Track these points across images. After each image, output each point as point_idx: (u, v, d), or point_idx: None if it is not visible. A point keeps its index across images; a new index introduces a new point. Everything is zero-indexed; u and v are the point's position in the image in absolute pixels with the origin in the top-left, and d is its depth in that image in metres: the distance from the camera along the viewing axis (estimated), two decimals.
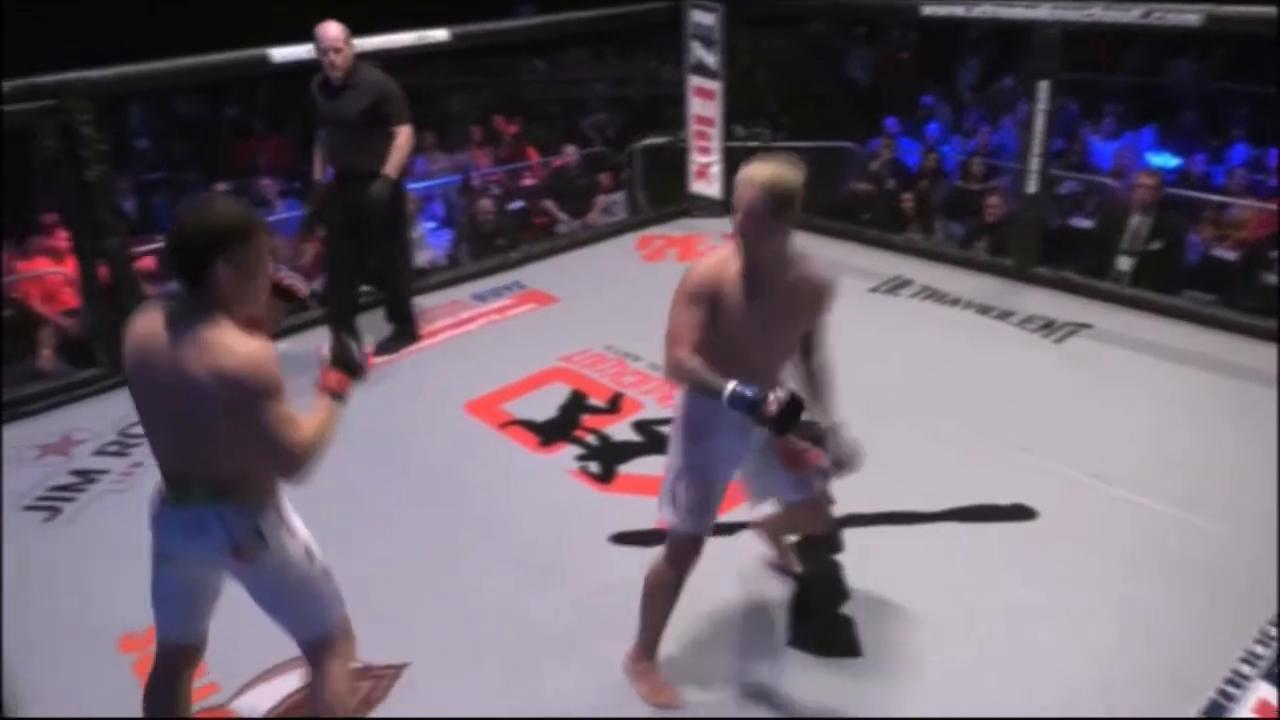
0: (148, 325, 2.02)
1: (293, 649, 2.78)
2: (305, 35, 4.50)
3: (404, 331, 4.90)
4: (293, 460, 1.98)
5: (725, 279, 2.40)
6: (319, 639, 2.22)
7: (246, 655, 2.80)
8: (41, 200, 6.64)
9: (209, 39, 4.86)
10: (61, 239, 6.04)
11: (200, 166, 8.57)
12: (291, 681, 2.71)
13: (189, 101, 10.14)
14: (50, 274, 6.00)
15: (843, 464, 2.62)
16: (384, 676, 2.73)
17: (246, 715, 2.64)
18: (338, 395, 2.16)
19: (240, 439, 1.96)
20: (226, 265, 1.94)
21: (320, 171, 4.66)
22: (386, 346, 4.82)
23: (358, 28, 4.65)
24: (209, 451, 2.03)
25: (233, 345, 1.92)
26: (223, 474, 2.04)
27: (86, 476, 3.86)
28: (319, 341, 2.38)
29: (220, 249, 1.93)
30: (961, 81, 9.67)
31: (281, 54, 4.82)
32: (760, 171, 2.33)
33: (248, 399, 1.92)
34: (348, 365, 2.18)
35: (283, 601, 2.18)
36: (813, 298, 2.51)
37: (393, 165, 4.43)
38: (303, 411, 2.04)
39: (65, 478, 3.86)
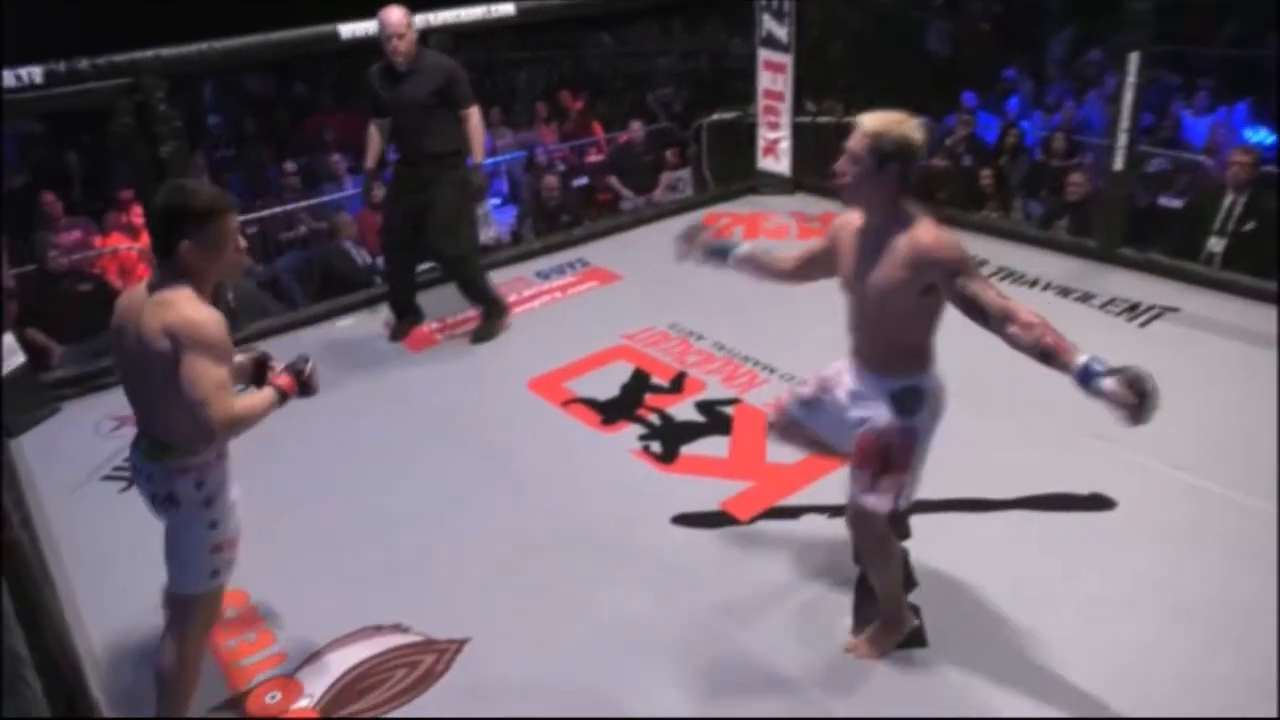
0: (128, 296, 2.31)
1: (360, 621, 2.87)
2: (371, 11, 4.55)
3: (493, 311, 4.89)
4: (208, 423, 2.17)
5: (848, 225, 2.45)
6: (182, 598, 2.44)
7: (314, 625, 2.89)
8: (117, 177, 6.88)
9: (278, 16, 4.95)
10: (137, 215, 6.26)
11: (269, 143, 8.76)
12: (358, 653, 2.79)
13: (259, 79, 10.36)
14: (126, 249, 6.23)
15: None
16: (446, 650, 2.79)
17: (311, 684, 2.72)
18: (282, 394, 2.42)
19: (176, 398, 2.17)
20: (191, 242, 2.21)
21: (373, 159, 4.74)
22: (482, 333, 4.84)
23: (423, 4, 4.70)
24: (154, 409, 2.30)
25: (181, 305, 2.19)
26: (162, 433, 2.30)
27: None
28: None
29: (187, 227, 2.20)
30: (1051, 54, 9.37)
31: (350, 30, 4.90)
32: (873, 119, 2.33)
33: (181, 353, 2.15)
34: (301, 380, 2.47)
35: (172, 554, 2.40)
36: (913, 262, 2.34)
37: (477, 149, 4.53)
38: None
39: None
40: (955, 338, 4.56)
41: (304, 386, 2.48)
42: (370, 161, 4.77)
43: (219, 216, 2.24)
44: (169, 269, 2.24)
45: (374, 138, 4.68)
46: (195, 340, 2.15)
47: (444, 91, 4.43)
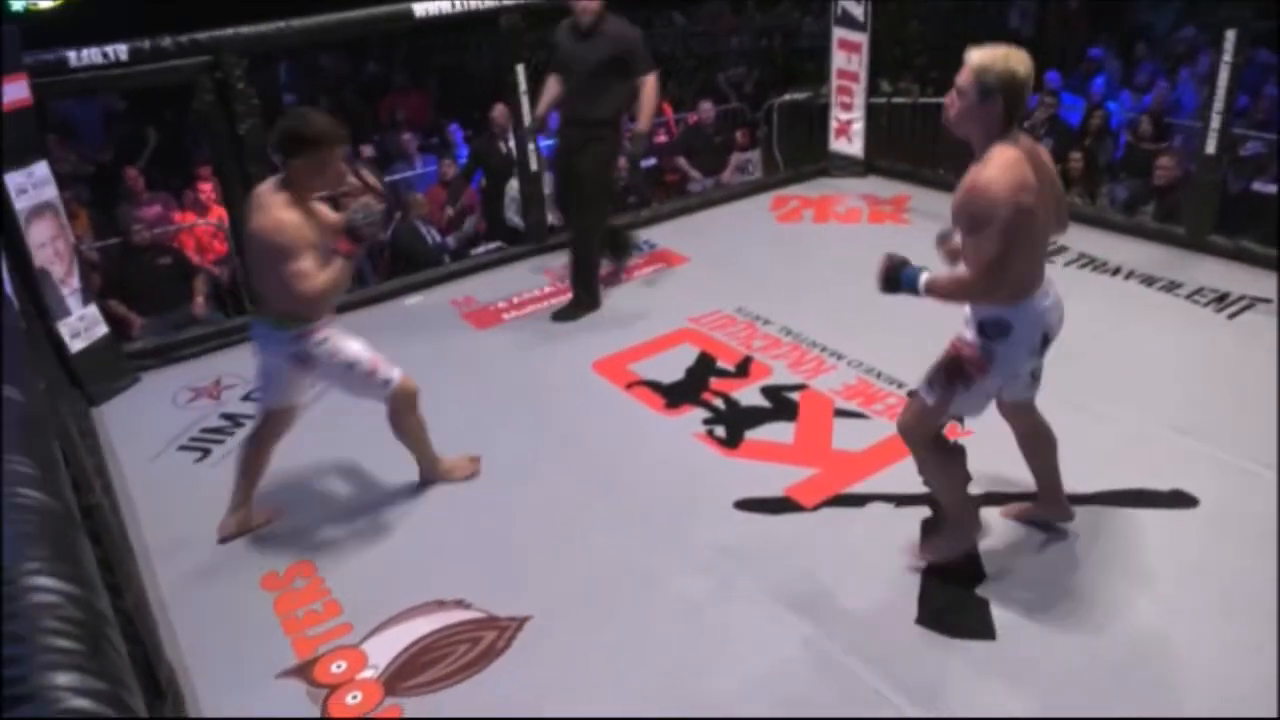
0: (254, 196, 2.94)
1: (424, 595, 2.93)
2: None
3: (584, 299, 4.91)
4: (300, 300, 2.87)
5: None
6: (383, 402, 3.24)
7: (381, 600, 2.95)
8: (196, 154, 7.06)
9: None
10: (205, 190, 6.41)
11: (343, 121, 8.90)
12: (421, 626, 2.84)
13: (332, 58, 10.54)
14: (204, 224, 6.40)
15: None
16: (508, 628, 2.83)
17: (375, 655, 2.79)
18: (346, 256, 2.93)
19: (277, 281, 2.83)
20: (302, 160, 2.84)
21: (543, 108, 4.86)
22: (565, 314, 4.87)
23: None
24: (263, 288, 2.97)
25: (274, 210, 2.82)
26: (275, 306, 2.96)
27: (234, 420, 4.11)
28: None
29: (300, 148, 2.83)
30: (1155, 30, 9.02)
31: (424, 8, 4.94)
32: (979, 53, 2.39)
33: (268, 252, 2.83)
34: (353, 233, 2.92)
35: (346, 391, 3.22)
36: (960, 200, 2.47)
37: (645, 118, 4.66)
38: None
39: (215, 420, 4.13)
40: None
41: (357, 238, 2.92)
42: (540, 110, 4.90)
43: (325, 144, 2.86)
44: (282, 178, 2.88)
45: (550, 88, 4.76)
46: (268, 241, 2.81)
47: (619, 59, 4.54)
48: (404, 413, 3.32)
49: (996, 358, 2.61)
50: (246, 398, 4.28)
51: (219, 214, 6.13)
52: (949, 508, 2.88)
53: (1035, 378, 2.85)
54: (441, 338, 4.75)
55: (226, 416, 4.15)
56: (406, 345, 4.67)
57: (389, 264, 6.39)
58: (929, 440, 2.77)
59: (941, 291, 2.55)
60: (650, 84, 4.61)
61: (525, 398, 4.12)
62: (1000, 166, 2.37)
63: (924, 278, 2.59)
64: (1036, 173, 2.43)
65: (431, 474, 3.52)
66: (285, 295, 2.86)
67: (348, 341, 3.13)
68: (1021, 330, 2.58)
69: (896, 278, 2.67)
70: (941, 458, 2.85)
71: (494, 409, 4.05)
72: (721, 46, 10.29)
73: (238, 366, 4.55)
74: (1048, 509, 3.07)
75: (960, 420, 2.84)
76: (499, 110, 6.84)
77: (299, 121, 2.88)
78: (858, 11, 6.24)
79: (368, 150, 7.60)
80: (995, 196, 2.35)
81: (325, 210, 3.03)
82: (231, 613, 2.98)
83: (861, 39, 6.30)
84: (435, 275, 5.52)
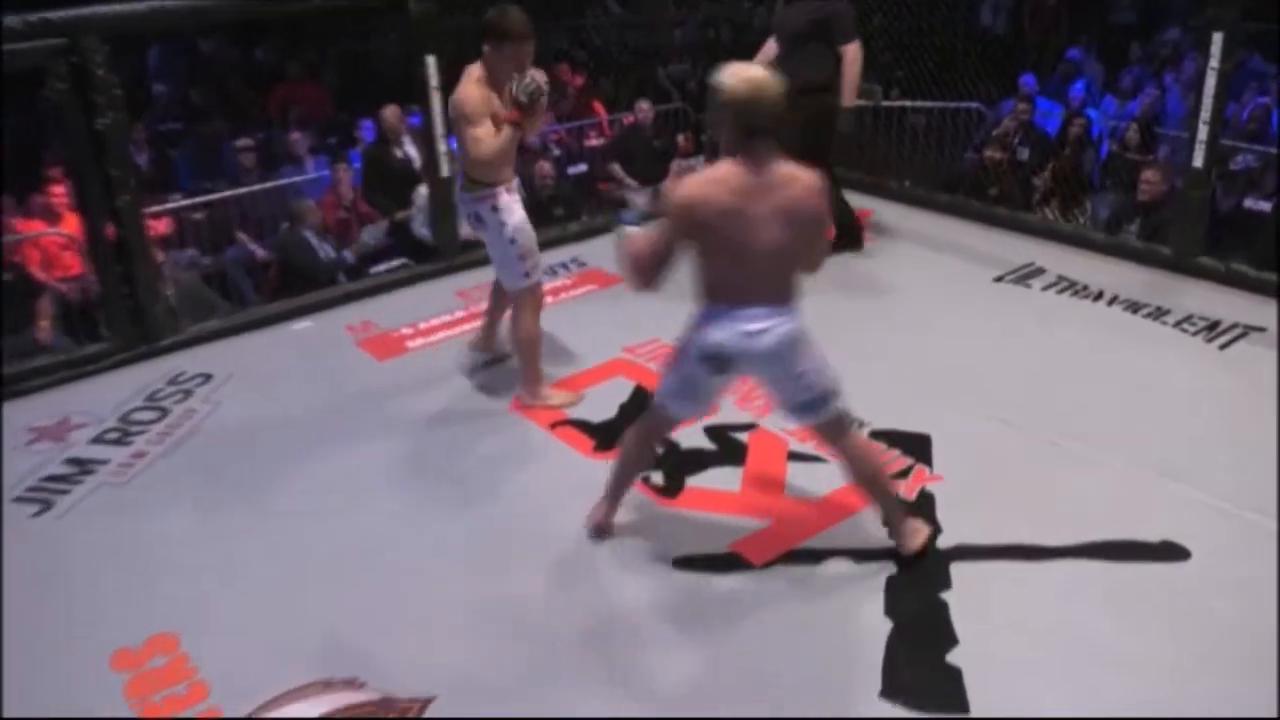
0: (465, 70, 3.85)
1: (307, 674, 2.84)
2: None
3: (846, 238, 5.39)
4: (477, 162, 3.83)
5: None
6: (511, 293, 4.09)
7: (258, 679, 2.86)
8: (46, 153, 6.88)
9: None
10: (60, 195, 6.24)
11: (224, 116, 8.78)
12: (306, 710, 2.75)
13: (214, 42, 10.39)
14: (50, 235, 6.22)
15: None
16: (409, 709, 2.76)
17: None
18: (513, 124, 3.75)
19: (461, 146, 3.88)
20: (490, 47, 3.78)
21: None
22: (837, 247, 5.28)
23: None
24: (461, 153, 3.93)
25: (465, 83, 3.78)
26: (468, 171, 3.93)
27: (83, 466, 3.98)
28: None
29: (489, 36, 3.77)
30: (1166, 35, 9.30)
31: None
32: (723, 69, 2.85)
33: (457, 119, 3.80)
34: (517, 102, 3.72)
35: (496, 261, 4.09)
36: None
37: (847, 91, 5.14)
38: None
39: (60, 467, 3.99)
40: (1014, 359, 4.56)
41: (525, 109, 3.72)
42: None
43: (511, 39, 3.75)
44: (482, 59, 3.79)
45: (766, 52, 5.32)
46: (458, 110, 3.76)
47: (821, 25, 5.04)
48: (525, 314, 4.03)
49: (685, 349, 3.03)
50: (99, 439, 4.14)
51: (73, 223, 5.96)
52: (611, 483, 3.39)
53: (797, 408, 3.08)
54: (334, 370, 4.66)
55: (74, 462, 4.01)
56: (291, 378, 4.60)
57: (274, 282, 6.28)
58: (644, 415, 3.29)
59: (625, 247, 3.01)
60: (850, 54, 5.08)
61: (432, 442, 4.06)
62: (700, 177, 2.86)
63: (630, 229, 3.05)
64: (750, 197, 2.80)
65: (529, 396, 4.19)
66: (466, 158, 3.84)
67: (517, 216, 3.95)
68: (697, 333, 2.98)
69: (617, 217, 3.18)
70: (639, 439, 3.29)
71: (394, 455, 3.98)
72: (663, 39, 10.39)
73: (90, 402, 4.42)
74: (902, 534, 3.27)
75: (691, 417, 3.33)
76: (390, 112, 6.81)
77: (497, 14, 3.77)
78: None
79: (245, 142, 7.45)
80: (670, 194, 2.86)
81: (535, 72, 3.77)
82: (73, 702, 2.85)
83: None
84: (328, 296, 5.43)
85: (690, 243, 2.88)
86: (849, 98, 5.17)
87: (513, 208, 3.95)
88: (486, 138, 3.75)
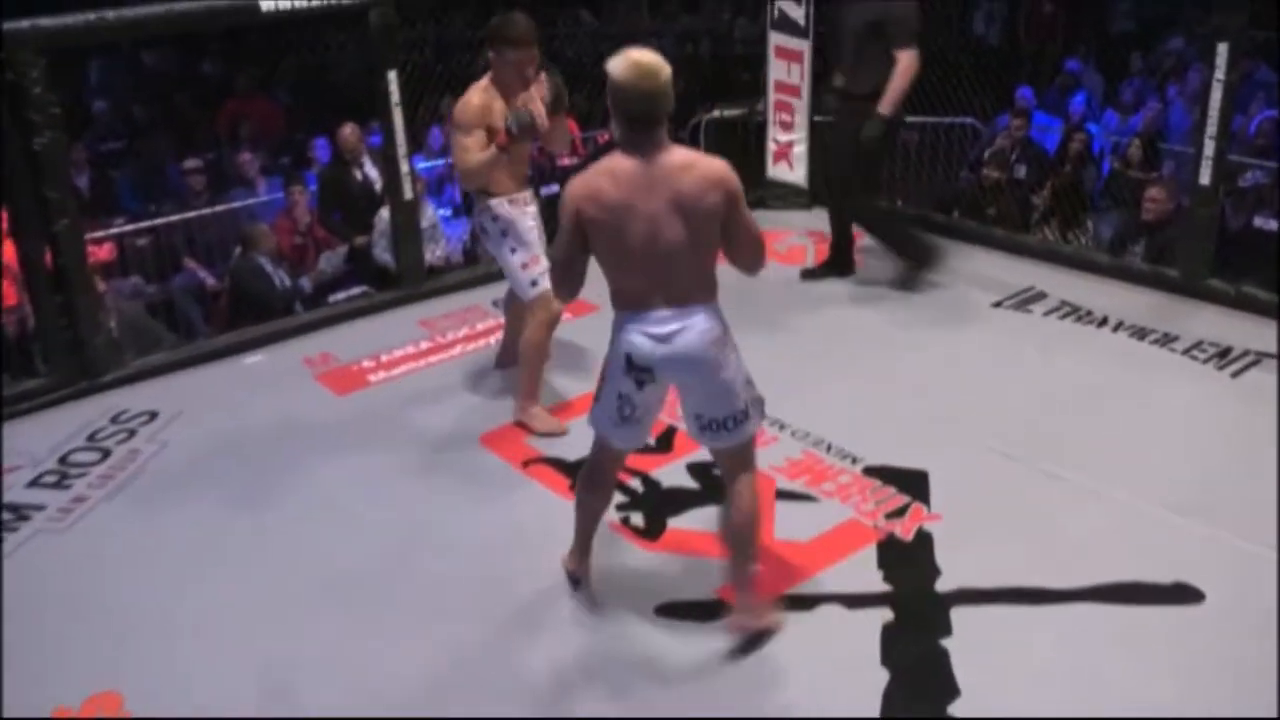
0: None
1: None
2: None
3: (919, 256, 5.51)
4: (457, 169, 4.22)
5: None
6: (524, 299, 4.26)
7: None
8: None
9: None
10: None
11: (170, 134, 8.77)
12: None
13: (159, 56, 10.39)
14: None
15: None
16: None
17: None
18: (500, 147, 3.91)
19: None
20: (493, 53, 4.04)
21: (839, 80, 5.36)
22: (907, 283, 5.51)
23: None
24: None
25: (469, 90, 4.06)
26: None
27: (18, 513, 3.94)
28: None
29: (490, 41, 4.04)
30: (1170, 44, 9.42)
31: (272, 3, 4.90)
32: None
33: (452, 126, 4.12)
34: (508, 129, 3.86)
35: (504, 272, 4.33)
36: None
37: (887, 101, 5.09)
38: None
39: None
40: (1014, 389, 4.59)
41: (513, 138, 3.87)
42: (836, 81, 5.40)
43: (508, 45, 3.98)
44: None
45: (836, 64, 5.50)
46: (453, 117, 4.07)
47: (877, 26, 5.04)
48: (533, 324, 4.19)
49: (608, 365, 3.04)
50: (36, 483, 4.11)
51: (7, 250, 5.92)
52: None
53: (711, 424, 3.01)
54: (289, 406, 4.65)
55: (9, 508, 3.97)
56: (244, 415, 4.58)
57: (225, 312, 6.26)
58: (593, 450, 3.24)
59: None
60: (904, 60, 5.06)
61: (394, 481, 4.05)
62: (587, 172, 2.89)
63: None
64: (639, 191, 2.80)
65: (520, 413, 4.33)
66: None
67: (519, 226, 4.16)
68: (614, 345, 2.99)
69: None
70: (587, 482, 3.27)
71: (353, 497, 3.96)
72: None
73: (26, 443, 4.38)
74: (741, 608, 3.15)
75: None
76: (348, 132, 6.83)
77: (500, 20, 4.02)
78: (797, 14, 6.43)
79: (193, 163, 7.43)
80: (564, 193, 2.91)
81: (532, 102, 3.86)
82: None
83: (803, 46, 6.49)
84: (283, 327, 5.42)
85: (588, 244, 2.89)
86: (886, 105, 5.09)
87: (515, 218, 4.16)
88: (472, 149, 3.93)
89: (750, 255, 2.99)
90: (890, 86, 5.06)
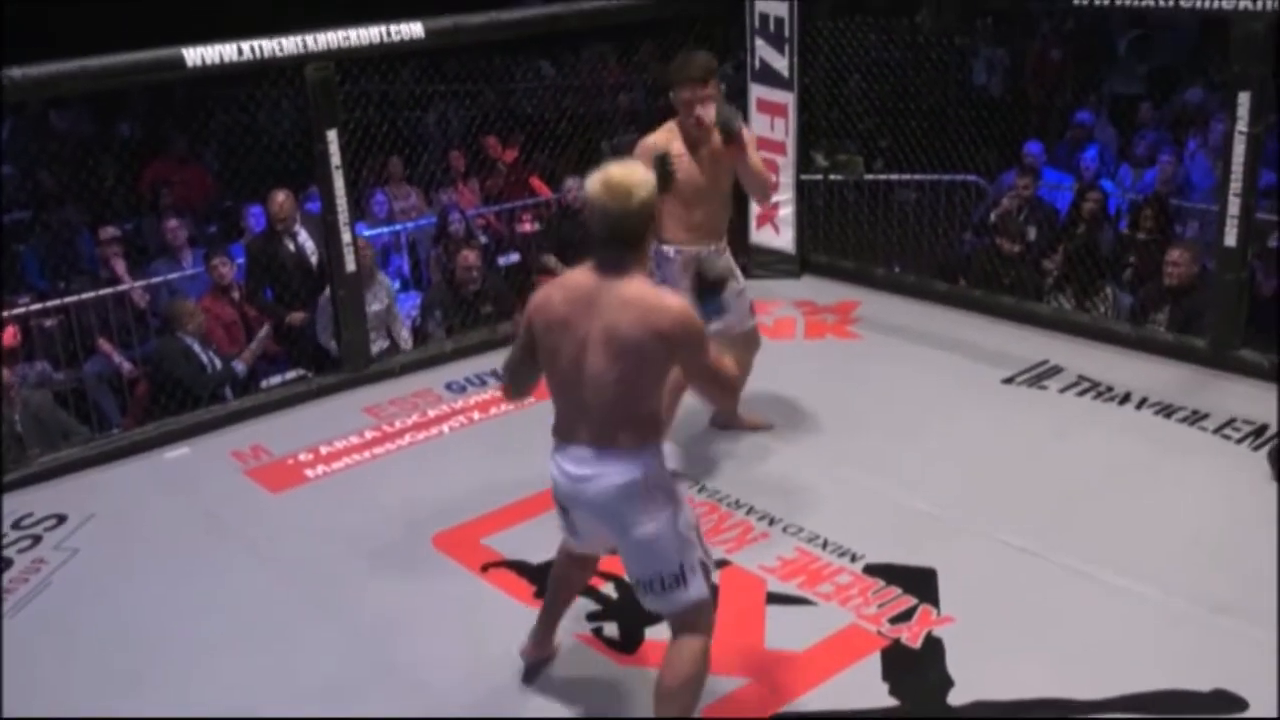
0: None
1: None
2: (229, 31, 4.64)
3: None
4: None
5: None
6: (743, 331, 4.56)
7: None
8: None
9: (104, 35, 5.04)
10: None
11: (83, 202, 8.78)
12: None
13: (71, 116, 10.44)
14: None
15: None
16: None
17: None
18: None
19: None
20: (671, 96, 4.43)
21: None
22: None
23: (302, 23, 4.80)
24: None
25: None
26: None
27: None
28: None
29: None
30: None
31: (199, 55, 4.97)
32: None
33: None
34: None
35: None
36: None
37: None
38: None
39: None
40: (1030, 474, 4.61)
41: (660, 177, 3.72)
42: None
43: (669, 88, 4.45)
44: None
45: None
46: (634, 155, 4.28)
47: None
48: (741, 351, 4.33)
49: None
50: None
51: None
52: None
53: (639, 583, 3.04)
54: (216, 506, 4.62)
55: None
56: (164, 518, 4.54)
57: (144, 401, 6.22)
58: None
59: None
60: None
61: (335, 593, 4.02)
62: (554, 280, 3.09)
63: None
64: (581, 312, 2.89)
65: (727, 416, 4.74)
66: None
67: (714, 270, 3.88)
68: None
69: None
70: (560, 567, 3.44)
71: (288, 611, 3.93)
72: (605, 106, 10.60)
73: None
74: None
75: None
76: (281, 199, 6.86)
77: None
78: (781, 65, 6.56)
79: (111, 235, 7.42)
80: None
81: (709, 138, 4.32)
82: None
83: (787, 99, 6.60)
84: (210, 416, 5.40)
85: (536, 353, 3.04)
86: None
87: (673, 277, 4.34)
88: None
89: (716, 396, 3.15)
90: None
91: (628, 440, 2.90)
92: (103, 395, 6.53)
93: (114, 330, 6.81)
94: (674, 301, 2.89)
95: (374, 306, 6.43)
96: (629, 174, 2.86)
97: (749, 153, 4.43)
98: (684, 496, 3.06)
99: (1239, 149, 5.09)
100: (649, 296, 2.87)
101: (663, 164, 4.12)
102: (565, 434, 2.99)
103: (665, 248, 4.45)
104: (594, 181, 2.86)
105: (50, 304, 6.73)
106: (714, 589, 3.13)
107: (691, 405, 4.44)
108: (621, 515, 2.92)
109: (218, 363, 6.27)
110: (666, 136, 4.41)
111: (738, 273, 4.56)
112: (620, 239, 2.87)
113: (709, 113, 4.30)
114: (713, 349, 2.95)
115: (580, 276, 2.93)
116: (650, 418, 2.95)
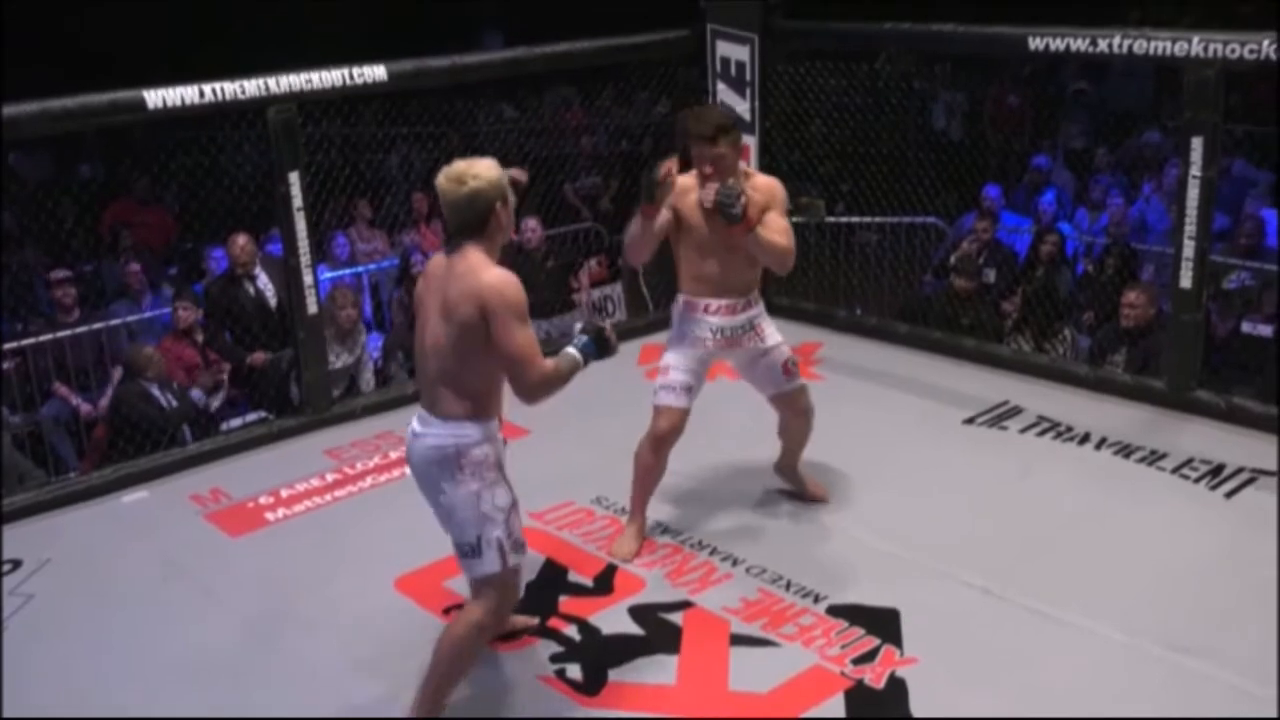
0: None
1: None
2: (201, 69, 4.62)
3: None
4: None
5: None
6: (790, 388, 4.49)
7: None
8: None
9: (64, 77, 5.03)
10: None
11: (41, 246, 8.74)
12: None
13: (30, 159, 10.39)
14: None
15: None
16: None
17: None
18: (644, 216, 4.22)
19: None
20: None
21: None
22: None
23: (263, 67, 4.81)
24: None
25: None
26: None
27: None
28: None
29: None
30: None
31: (160, 97, 4.96)
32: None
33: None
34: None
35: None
36: None
37: None
38: None
39: None
40: (992, 515, 4.64)
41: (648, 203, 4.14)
42: None
43: (688, 139, 4.24)
44: None
45: None
46: None
47: None
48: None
49: None
50: None
51: None
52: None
53: (457, 549, 3.35)
54: (175, 551, 4.58)
55: None
56: (122, 563, 4.49)
57: (102, 444, 6.17)
58: None
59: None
60: None
61: (297, 639, 3.98)
62: None
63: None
64: (431, 287, 3.25)
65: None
66: None
67: (680, 330, 4.34)
68: None
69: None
70: None
71: (248, 659, 3.89)
72: (568, 149, 10.66)
73: None
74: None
75: None
76: (242, 242, 6.85)
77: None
78: (742, 108, 6.62)
79: (62, 276, 7.37)
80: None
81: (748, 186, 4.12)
82: None
83: (749, 142, 6.66)
84: (169, 460, 5.35)
85: None
86: None
87: (681, 320, 4.34)
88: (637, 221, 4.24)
89: (515, 384, 3.23)
90: None
91: (450, 409, 3.20)
92: (59, 439, 6.47)
93: (71, 373, 6.76)
94: (495, 272, 3.16)
95: (345, 359, 6.49)
96: (468, 165, 3.16)
97: (760, 231, 4.09)
98: (504, 481, 3.29)
99: (1193, 192, 5.18)
100: (475, 268, 3.14)
101: (649, 175, 4.08)
102: (420, 398, 3.33)
103: (679, 295, 4.38)
104: (440, 173, 3.17)
105: (7, 346, 6.67)
106: (512, 570, 3.31)
107: (672, 466, 4.41)
108: (430, 477, 3.25)
109: (174, 401, 6.24)
110: (691, 181, 4.27)
111: (765, 333, 4.37)
112: (459, 223, 3.18)
113: (708, 195, 4.08)
114: (549, 362, 3.26)
115: (437, 260, 3.30)
116: (477, 395, 3.22)
